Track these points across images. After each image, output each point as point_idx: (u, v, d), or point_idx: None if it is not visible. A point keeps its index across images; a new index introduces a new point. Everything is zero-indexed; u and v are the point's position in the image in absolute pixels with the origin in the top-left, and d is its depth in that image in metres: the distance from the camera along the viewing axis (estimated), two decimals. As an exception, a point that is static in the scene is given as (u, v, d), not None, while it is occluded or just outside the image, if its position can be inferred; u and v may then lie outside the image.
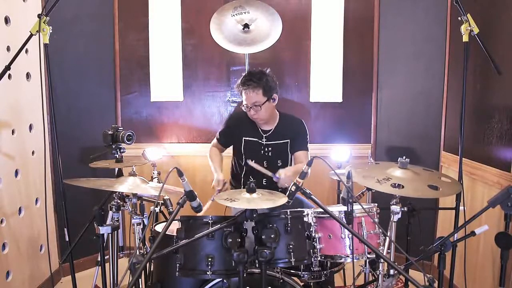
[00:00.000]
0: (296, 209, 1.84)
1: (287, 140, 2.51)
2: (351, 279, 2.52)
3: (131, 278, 1.42)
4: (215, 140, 2.69)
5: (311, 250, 1.80)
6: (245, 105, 2.42)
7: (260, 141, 2.51)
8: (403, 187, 1.77)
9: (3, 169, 2.43)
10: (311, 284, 2.03)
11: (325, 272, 1.91)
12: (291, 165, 2.56)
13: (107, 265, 2.15)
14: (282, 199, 1.67)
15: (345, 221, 1.66)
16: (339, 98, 3.40)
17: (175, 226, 1.79)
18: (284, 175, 2.24)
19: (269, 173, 2.27)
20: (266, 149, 2.50)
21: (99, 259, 2.29)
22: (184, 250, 1.69)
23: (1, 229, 2.38)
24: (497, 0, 2.40)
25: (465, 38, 1.96)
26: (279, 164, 2.51)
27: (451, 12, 2.88)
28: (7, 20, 2.44)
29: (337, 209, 1.87)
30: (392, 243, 1.87)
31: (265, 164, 2.49)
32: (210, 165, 2.57)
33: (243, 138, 2.52)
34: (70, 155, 2.96)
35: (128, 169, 2.32)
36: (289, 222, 1.74)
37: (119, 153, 2.27)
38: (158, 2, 3.35)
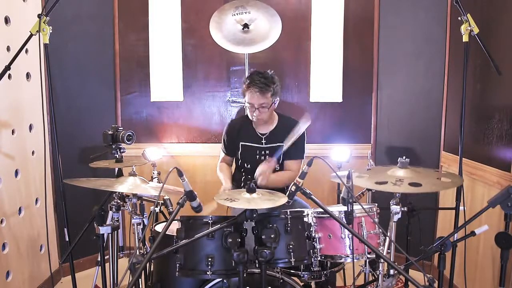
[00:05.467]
0: (296, 209, 1.84)
1: (283, 144, 2.45)
2: (351, 279, 2.52)
3: (131, 278, 1.42)
4: (221, 154, 2.66)
5: (311, 250, 1.80)
6: (249, 104, 2.38)
7: (258, 145, 2.50)
8: (421, 185, 1.77)
9: (3, 169, 2.43)
10: (311, 284, 2.04)
11: (325, 272, 1.91)
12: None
13: (107, 265, 2.15)
14: (282, 199, 1.68)
15: (345, 221, 1.66)
16: (339, 98, 3.39)
17: (175, 226, 1.79)
18: (265, 172, 2.29)
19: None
20: (264, 152, 2.49)
21: (99, 259, 2.29)
22: (184, 250, 1.69)
23: (1, 229, 2.38)
24: (497, 0, 2.40)
25: (465, 38, 1.96)
26: (277, 169, 2.50)
27: (451, 12, 2.88)
28: (7, 20, 2.44)
29: (337, 209, 1.87)
30: (392, 243, 1.87)
31: None
32: (219, 175, 2.57)
33: (240, 143, 2.52)
34: (70, 155, 2.96)
35: (128, 169, 2.32)
36: (289, 222, 1.74)
37: (119, 153, 2.27)
38: (158, 2, 3.35)
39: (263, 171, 2.29)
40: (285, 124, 2.50)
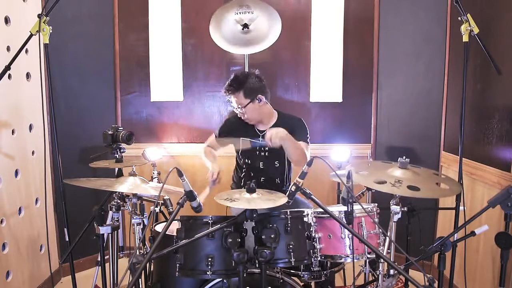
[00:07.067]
0: (296, 209, 1.84)
1: None
2: (351, 279, 2.52)
3: (131, 278, 1.42)
4: (212, 138, 2.69)
5: (311, 250, 1.80)
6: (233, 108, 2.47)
7: (257, 141, 2.50)
8: (419, 189, 1.77)
9: (3, 169, 2.43)
10: (311, 284, 2.04)
11: (325, 272, 1.91)
12: (288, 166, 2.56)
13: (107, 265, 2.15)
14: (282, 199, 1.68)
15: (345, 221, 1.66)
16: (339, 98, 3.40)
17: (175, 226, 1.79)
18: (271, 133, 2.14)
19: (258, 142, 2.37)
20: (263, 148, 2.50)
21: (99, 259, 2.29)
22: (184, 250, 1.69)
23: (1, 229, 2.38)
24: (497, 0, 2.40)
25: (465, 38, 1.96)
26: (276, 165, 2.51)
27: (451, 12, 2.89)
28: (7, 20, 2.44)
29: (337, 209, 1.87)
30: (392, 243, 1.87)
31: (261, 165, 2.50)
32: (204, 160, 2.58)
33: (241, 139, 2.52)
34: (70, 155, 2.96)
35: (128, 169, 2.32)
36: (289, 222, 1.74)
37: (119, 153, 2.27)
38: (158, 2, 3.35)
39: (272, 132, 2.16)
40: (284, 121, 2.52)
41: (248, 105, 2.40)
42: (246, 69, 3.13)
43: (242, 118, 2.47)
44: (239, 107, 2.42)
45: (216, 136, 2.67)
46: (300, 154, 2.32)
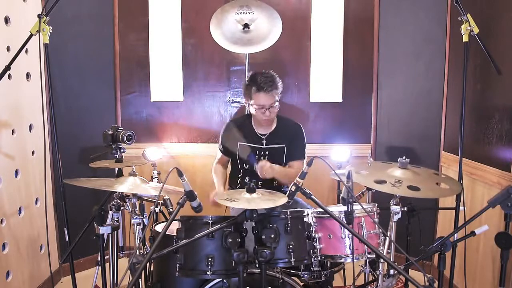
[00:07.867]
0: (296, 209, 1.84)
1: (283, 145, 2.49)
2: (351, 279, 2.52)
3: (131, 278, 1.42)
4: (218, 154, 2.66)
5: (311, 250, 1.80)
6: (259, 106, 2.37)
7: (258, 146, 2.49)
8: (419, 189, 1.77)
9: (3, 169, 2.43)
10: (311, 284, 2.04)
11: (325, 272, 1.91)
12: None
13: (107, 265, 2.15)
14: (282, 199, 1.68)
15: (345, 221, 1.66)
16: (339, 98, 3.40)
17: (175, 226, 1.79)
18: (265, 165, 2.32)
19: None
20: (263, 153, 2.49)
21: (99, 259, 2.29)
22: (184, 250, 1.69)
23: (1, 229, 2.38)
24: (497, 0, 2.40)
25: (465, 38, 1.96)
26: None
27: (451, 12, 2.89)
28: (7, 20, 2.44)
29: (337, 209, 1.87)
30: (392, 243, 1.87)
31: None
32: (214, 180, 2.58)
33: (238, 143, 2.51)
34: (70, 155, 2.96)
35: (128, 169, 2.32)
36: (289, 222, 1.74)
37: (119, 153, 2.27)
38: (158, 2, 3.35)
39: (262, 165, 2.33)
40: (283, 127, 2.54)
41: (277, 102, 2.42)
42: (247, 69, 3.13)
43: (268, 118, 2.41)
44: (272, 106, 2.38)
45: (220, 151, 2.65)
46: (290, 180, 2.28)
